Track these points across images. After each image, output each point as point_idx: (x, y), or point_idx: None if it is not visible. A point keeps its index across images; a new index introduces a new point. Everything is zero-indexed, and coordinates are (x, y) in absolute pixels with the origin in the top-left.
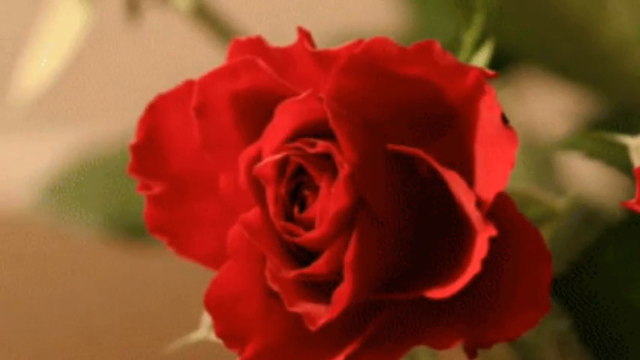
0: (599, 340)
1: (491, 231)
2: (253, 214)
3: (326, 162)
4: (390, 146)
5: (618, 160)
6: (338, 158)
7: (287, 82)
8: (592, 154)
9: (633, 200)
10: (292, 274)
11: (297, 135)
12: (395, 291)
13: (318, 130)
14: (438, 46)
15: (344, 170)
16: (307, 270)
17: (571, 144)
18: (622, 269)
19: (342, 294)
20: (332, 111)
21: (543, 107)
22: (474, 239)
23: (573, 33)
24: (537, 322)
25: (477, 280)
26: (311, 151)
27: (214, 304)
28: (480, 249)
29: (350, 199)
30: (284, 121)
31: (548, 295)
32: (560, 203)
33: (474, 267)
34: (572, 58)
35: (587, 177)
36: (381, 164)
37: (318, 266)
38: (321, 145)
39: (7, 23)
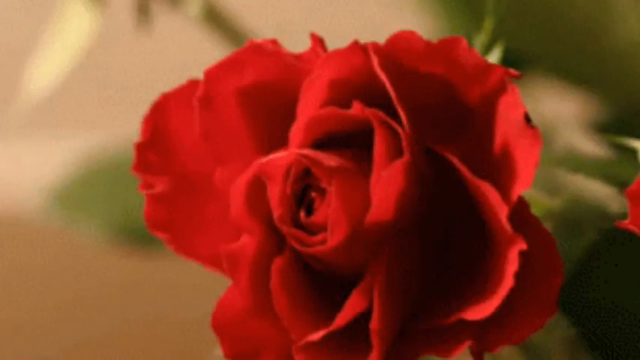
0: (605, 347)
1: (522, 245)
2: (246, 243)
3: (338, 163)
4: (429, 144)
5: (605, 173)
6: (379, 140)
7: (297, 61)
8: (577, 170)
9: (627, 221)
10: (318, 336)
11: (335, 98)
12: (424, 314)
13: (362, 92)
14: (464, 42)
15: (403, 134)
16: (333, 327)
17: (558, 161)
18: (623, 274)
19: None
20: (379, 63)
21: (552, 111)
22: (500, 251)
23: (581, 36)
24: (544, 325)
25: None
26: (327, 164)
27: (221, 326)
28: (512, 263)
29: (406, 180)
30: (322, 79)
31: (556, 298)
32: (557, 203)
33: (508, 281)
34: (579, 61)
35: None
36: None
37: (343, 319)
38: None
39: (14, 27)
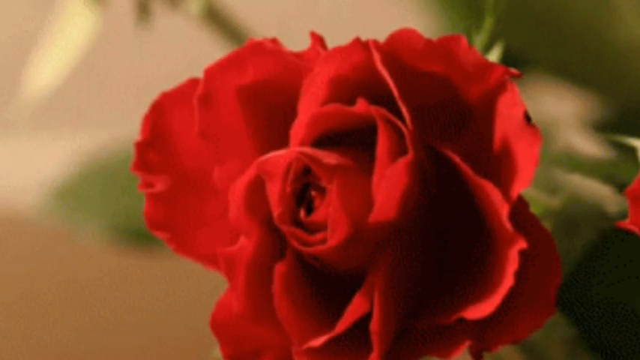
0: (604, 346)
1: (522, 243)
2: (244, 245)
3: (337, 161)
4: (429, 143)
5: (604, 173)
6: (383, 140)
7: (297, 60)
8: (576, 170)
9: (627, 221)
10: (320, 342)
11: (335, 96)
12: (423, 314)
13: (363, 90)
14: (464, 40)
15: (407, 132)
16: (334, 332)
17: (557, 160)
18: (622, 274)
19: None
20: (382, 61)
21: (552, 110)
22: (500, 250)
23: (581, 36)
24: (543, 324)
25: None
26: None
27: (220, 326)
28: (512, 261)
29: (408, 179)
30: (323, 76)
31: (554, 297)
32: (555, 202)
33: (508, 280)
34: (579, 61)
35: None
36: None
37: (345, 323)
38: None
39: (15, 26)
